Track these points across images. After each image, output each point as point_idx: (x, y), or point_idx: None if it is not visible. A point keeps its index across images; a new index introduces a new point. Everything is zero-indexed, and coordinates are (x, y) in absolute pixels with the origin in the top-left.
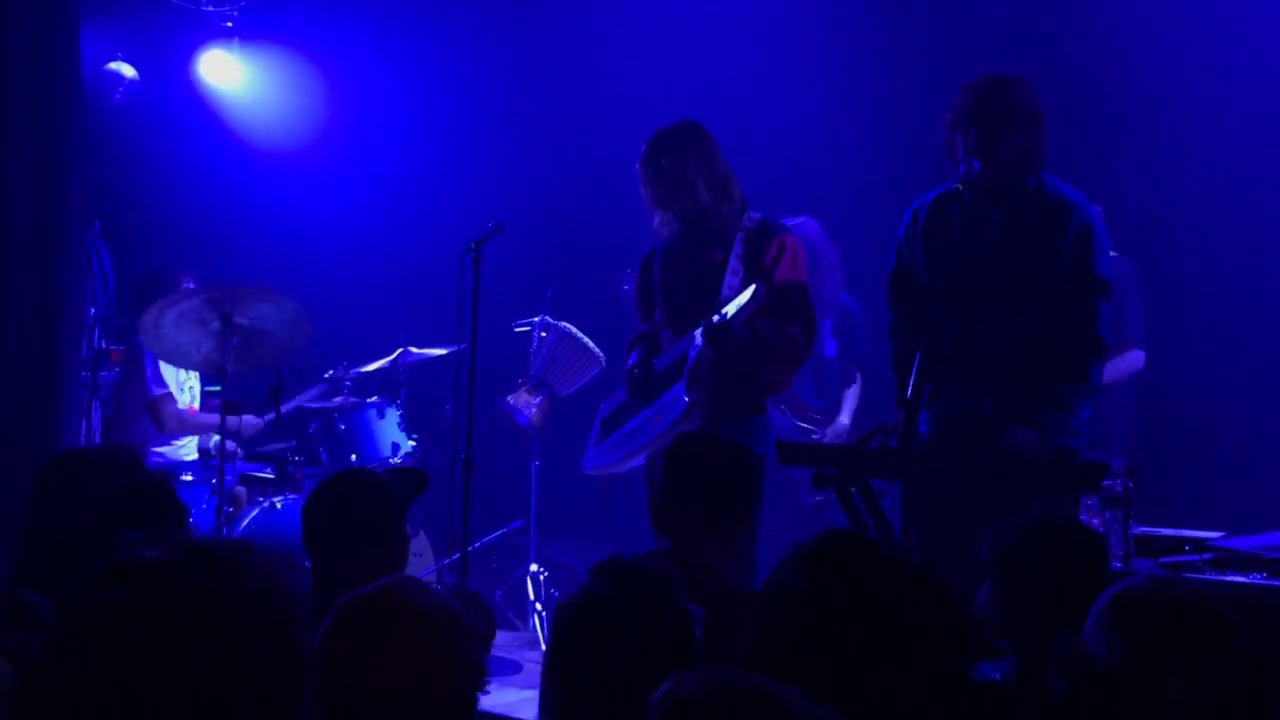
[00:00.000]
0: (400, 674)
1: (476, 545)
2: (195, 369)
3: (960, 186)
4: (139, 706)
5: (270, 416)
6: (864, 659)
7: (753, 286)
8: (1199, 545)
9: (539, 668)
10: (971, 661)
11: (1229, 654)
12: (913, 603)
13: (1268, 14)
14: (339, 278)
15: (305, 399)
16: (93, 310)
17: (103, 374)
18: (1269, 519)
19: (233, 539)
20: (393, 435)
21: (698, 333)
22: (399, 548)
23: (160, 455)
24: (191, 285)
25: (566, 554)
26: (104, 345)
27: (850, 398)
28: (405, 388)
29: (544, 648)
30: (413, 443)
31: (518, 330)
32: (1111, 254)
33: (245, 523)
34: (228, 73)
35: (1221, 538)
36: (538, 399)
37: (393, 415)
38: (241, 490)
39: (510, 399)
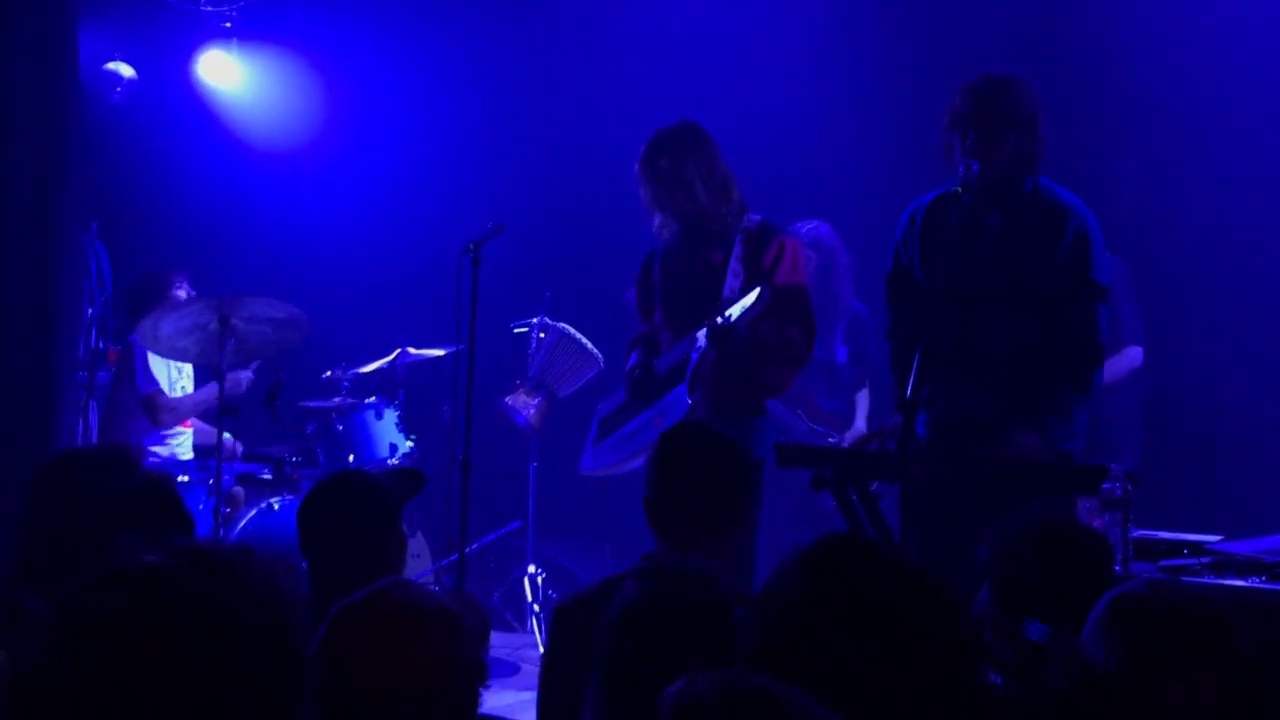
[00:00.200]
0: (400, 674)
1: (474, 546)
2: (192, 362)
3: (959, 188)
4: (138, 708)
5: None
6: (863, 661)
7: (758, 289)
8: (1198, 549)
9: (536, 669)
10: (971, 664)
11: (1228, 657)
12: (912, 605)
13: (1266, 13)
14: (337, 278)
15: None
16: (90, 311)
17: (100, 374)
18: (1268, 522)
19: (233, 544)
20: (390, 436)
21: (700, 334)
22: (395, 548)
23: (156, 455)
24: (185, 286)
25: (564, 555)
26: (101, 346)
27: (863, 401)
28: (403, 388)
29: (541, 650)
30: (410, 443)
31: (516, 331)
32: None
33: (243, 523)
34: (226, 73)
35: (1220, 541)
36: (536, 400)
37: (390, 416)
38: (239, 491)
39: (509, 400)
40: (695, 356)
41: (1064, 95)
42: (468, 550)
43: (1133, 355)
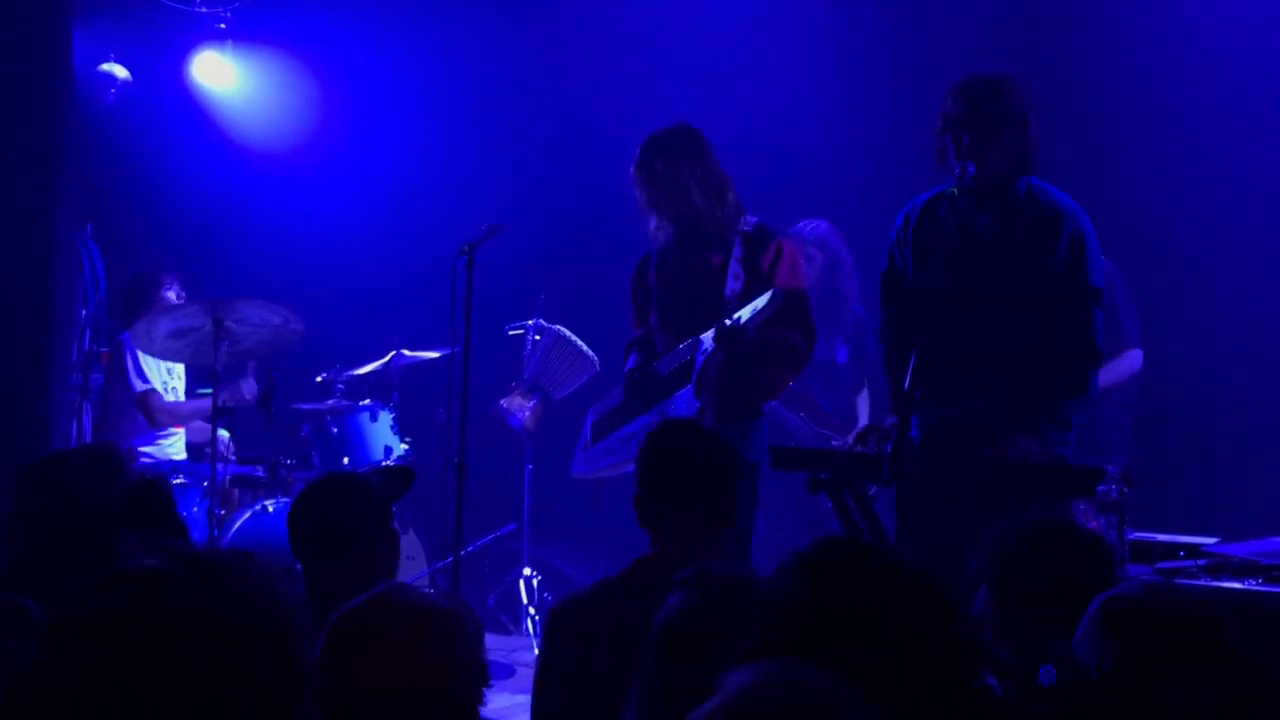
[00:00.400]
0: (402, 676)
1: (469, 549)
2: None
3: (955, 190)
4: (137, 709)
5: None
6: (861, 663)
7: (770, 292)
8: (1194, 551)
9: (532, 671)
10: (968, 665)
11: (1223, 659)
12: (909, 606)
13: (1265, 13)
14: (332, 280)
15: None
16: (84, 312)
17: (94, 376)
18: (1265, 524)
19: (232, 548)
20: (385, 438)
21: (706, 336)
22: (386, 547)
23: (149, 455)
24: (175, 288)
25: (560, 558)
26: (95, 348)
27: (863, 403)
28: (398, 390)
29: (536, 652)
30: (405, 446)
31: (511, 333)
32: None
33: (237, 525)
34: (221, 74)
35: (1217, 544)
36: (531, 402)
37: (385, 418)
38: (234, 493)
39: (504, 402)
40: (701, 359)
41: (1062, 96)
42: (463, 553)
43: (1133, 359)
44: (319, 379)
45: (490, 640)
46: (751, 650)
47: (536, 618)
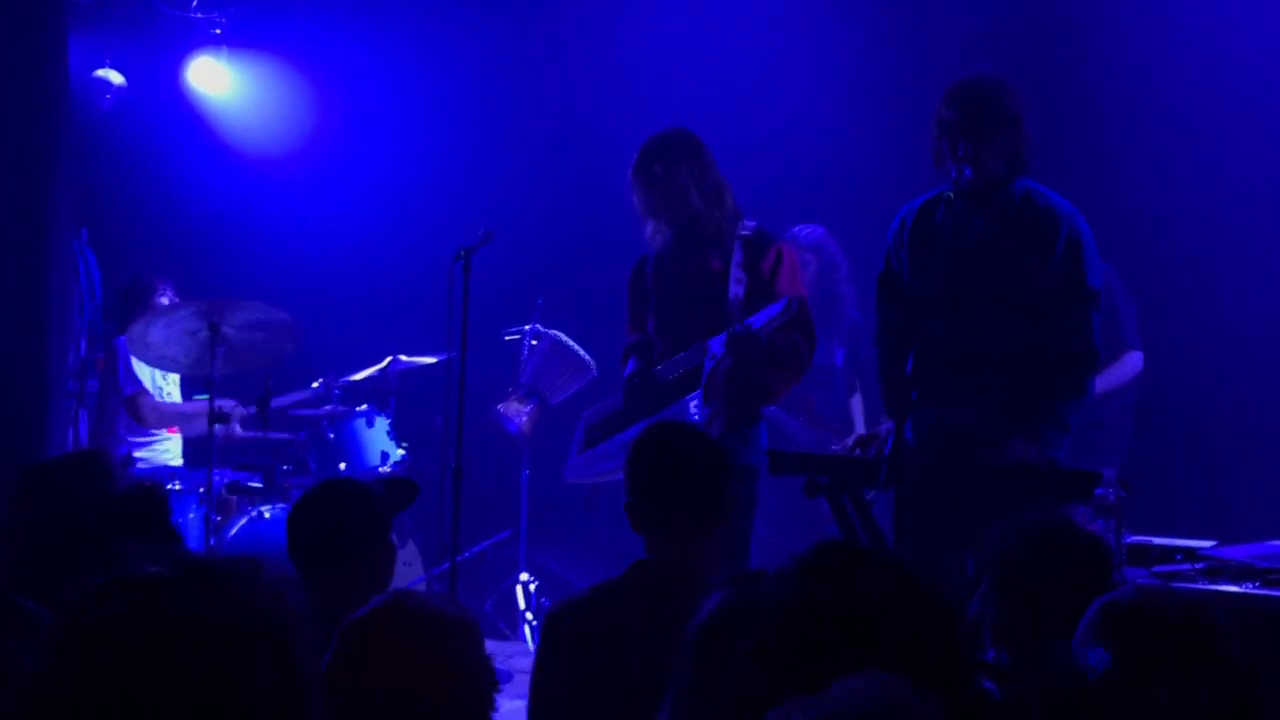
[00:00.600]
0: (418, 683)
1: (466, 554)
2: (182, 372)
3: (952, 194)
4: (138, 717)
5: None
6: (859, 667)
7: (785, 300)
8: (1191, 554)
9: (528, 677)
10: (965, 669)
11: (1219, 662)
12: (907, 610)
13: (1263, 14)
14: (328, 285)
15: (289, 399)
16: (80, 319)
17: (90, 382)
18: (1262, 528)
19: (238, 556)
20: (382, 444)
21: (714, 341)
22: (384, 557)
23: (145, 461)
24: (169, 293)
25: (557, 563)
26: (91, 354)
27: (858, 406)
28: (395, 396)
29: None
30: (402, 451)
31: (508, 338)
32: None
33: (234, 531)
34: (216, 80)
35: (1214, 547)
36: (528, 407)
37: (382, 424)
38: (230, 499)
39: (500, 407)
40: (710, 364)
41: (1061, 98)
42: (460, 558)
43: (1134, 361)
44: (315, 384)
45: (488, 646)
46: (751, 652)
47: (534, 623)
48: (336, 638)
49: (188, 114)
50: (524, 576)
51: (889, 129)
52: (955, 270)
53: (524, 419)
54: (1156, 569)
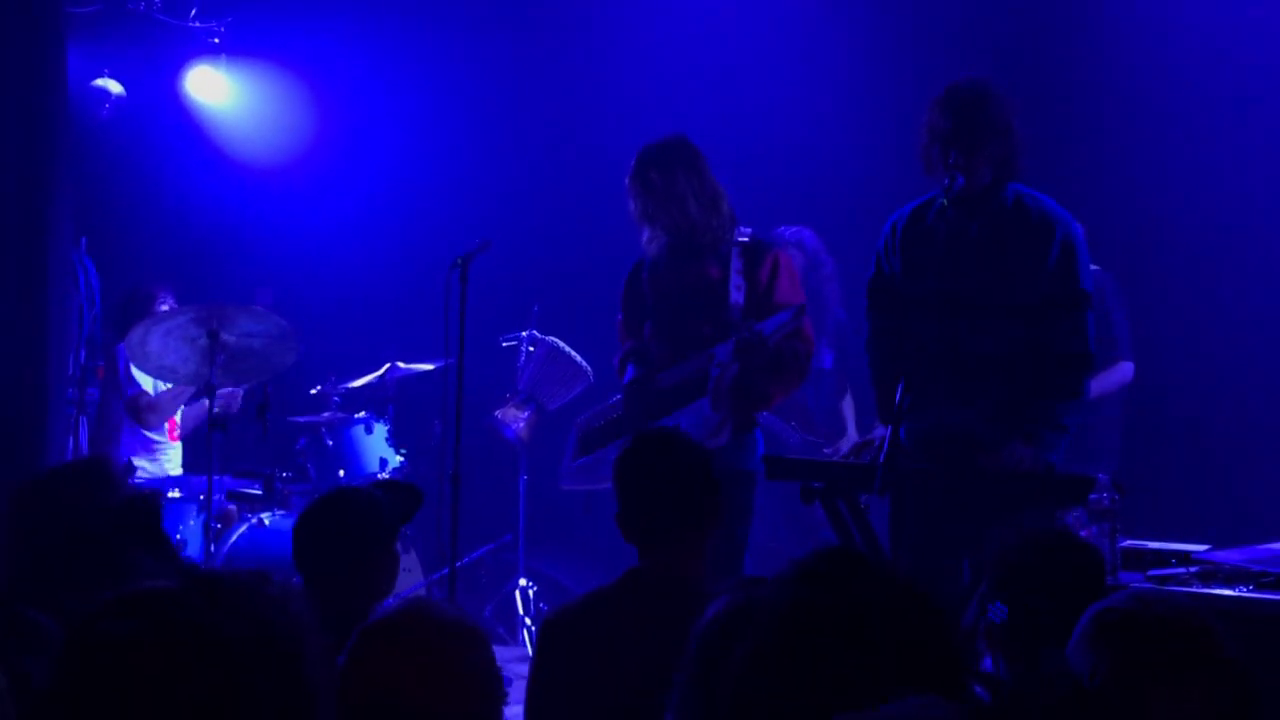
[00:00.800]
0: (433, 692)
1: (465, 560)
2: (181, 383)
3: (945, 201)
4: None
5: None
6: (855, 673)
7: (794, 307)
8: (1185, 558)
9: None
10: (960, 675)
11: (1215, 666)
12: (902, 616)
13: (1262, 15)
14: (326, 293)
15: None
16: (79, 327)
17: (90, 390)
18: (1256, 532)
19: (247, 570)
20: (380, 450)
21: (720, 348)
22: (388, 566)
23: (145, 470)
24: (169, 300)
25: (555, 568)
26: (91, 363)
27: (848, 409)
28: (393, 403)
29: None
30: (400, 458)
31: (505, 345)
32: (1093, 267)
33: (234, 539)
34: (214, 89)
35: (1208, 551)
36: (526, 413)
37: (380, 430)
38: (230, 507)
39: (498, 413)
40: (715, 371)
41: (1058, 100)
42: (459, 564)
43: (1124, 370)
44: (314, 391)
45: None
46: (749, 656)
47: (533, 628)
48: (353, 641)
49: (186, 123)
50: (523, 582)
51: (887, 131)
52: (949, 275)
53: (522, 425)
54: (1151, 573)
